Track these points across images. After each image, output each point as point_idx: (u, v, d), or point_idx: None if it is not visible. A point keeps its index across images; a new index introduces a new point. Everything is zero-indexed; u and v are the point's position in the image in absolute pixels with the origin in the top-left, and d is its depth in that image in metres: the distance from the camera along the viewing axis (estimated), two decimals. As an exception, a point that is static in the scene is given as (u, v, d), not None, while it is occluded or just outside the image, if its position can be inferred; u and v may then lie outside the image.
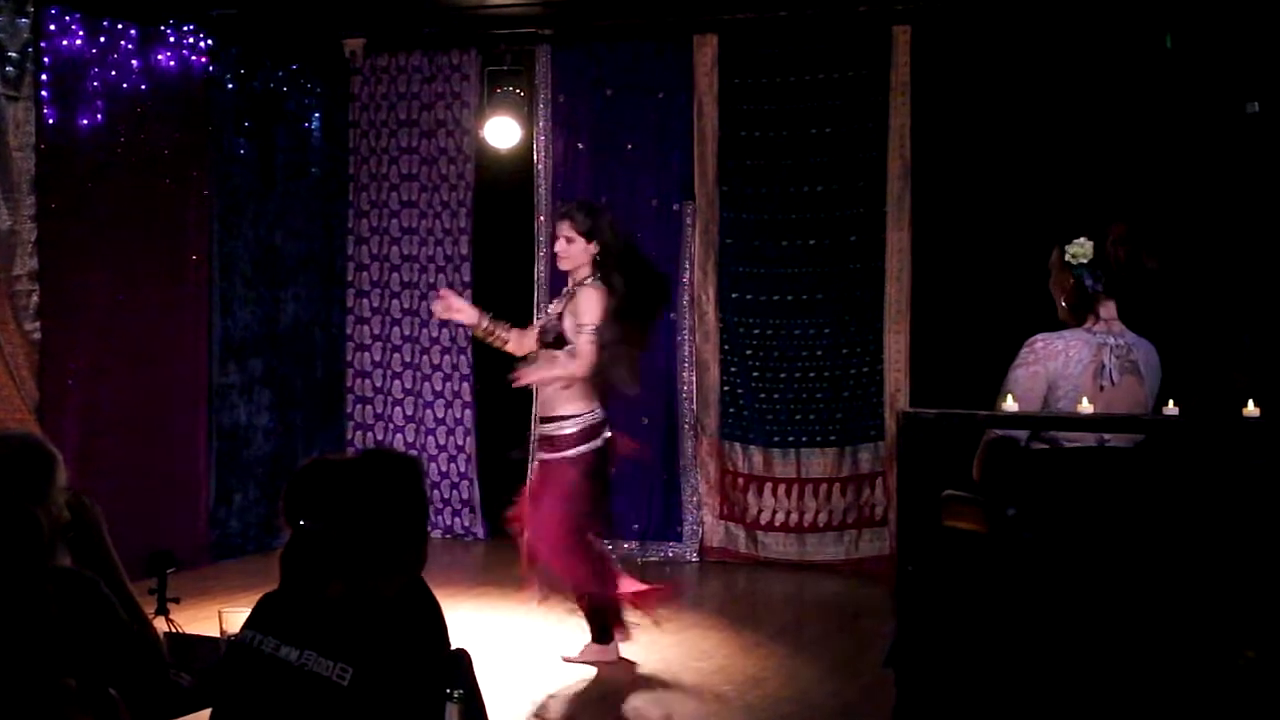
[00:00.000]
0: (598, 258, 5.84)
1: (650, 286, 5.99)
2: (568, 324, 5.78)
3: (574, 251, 5.85)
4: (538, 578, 6.01)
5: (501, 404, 8.51)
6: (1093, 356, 4.44)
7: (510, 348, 6.08)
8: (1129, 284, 4.50)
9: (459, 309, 6.05)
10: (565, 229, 5.88)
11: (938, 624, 4.21)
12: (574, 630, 6.28)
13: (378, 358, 9.25)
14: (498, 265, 8.91)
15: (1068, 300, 4.59)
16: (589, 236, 5.84)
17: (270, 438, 8.68)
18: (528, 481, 6.07)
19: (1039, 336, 4.51)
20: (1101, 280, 4.50)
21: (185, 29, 7.86)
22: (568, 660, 6.14)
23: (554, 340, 5.81)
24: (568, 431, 5.85)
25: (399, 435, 9.22)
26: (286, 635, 2.76)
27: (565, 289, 6.03)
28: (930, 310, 8.06)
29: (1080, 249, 4.52)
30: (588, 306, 5.75)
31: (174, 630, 4.96)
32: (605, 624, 6.09)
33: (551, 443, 5.87)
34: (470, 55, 9.00)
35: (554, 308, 5.96)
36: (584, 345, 5.72)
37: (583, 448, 5.84)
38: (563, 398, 5.84)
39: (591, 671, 6.05)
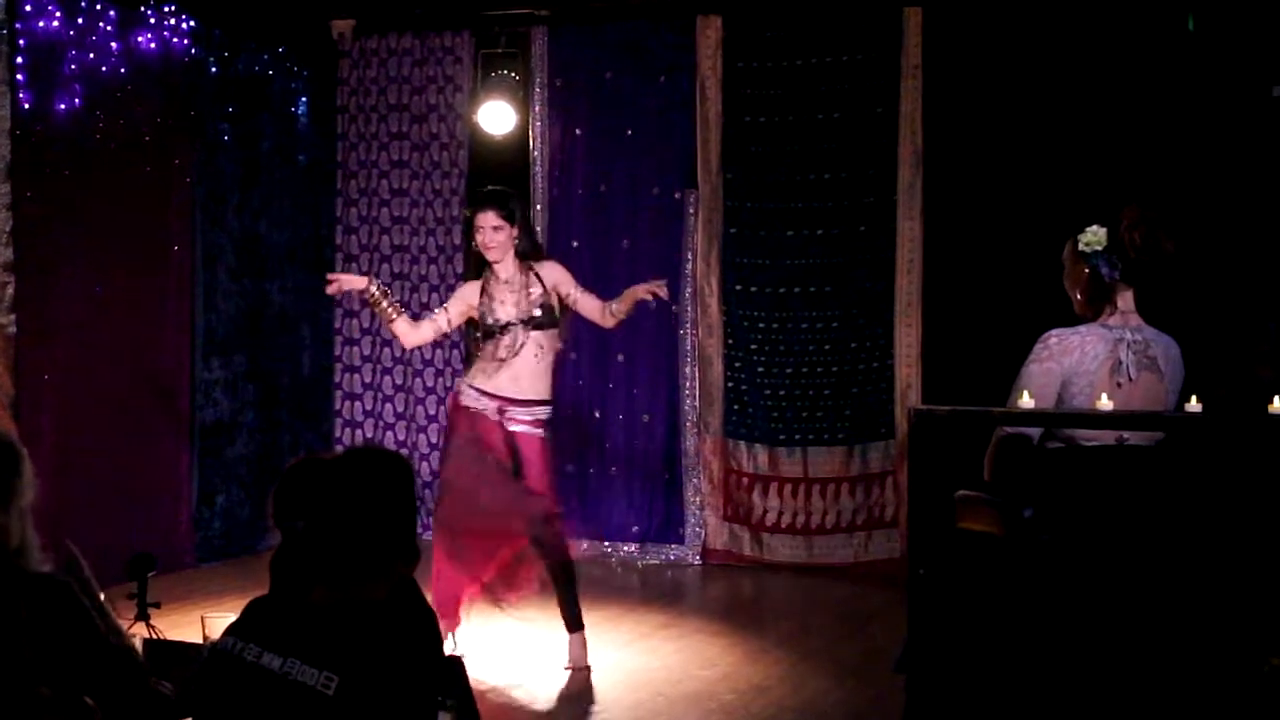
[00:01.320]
0: (517, 241, 6.09)
1: None
2: (553, 298, 6.07)
3: (502, 239, 6.07)
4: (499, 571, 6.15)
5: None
6: (1109, 352, 4.43)
7: (396, 329, 6.29)
8: (1147, 270, 4.48)
9: (347, 279, 6.26)
10: (491, 219, 6.07)
11: (951, 629, 4.20)
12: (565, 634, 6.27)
13: (367, 352, 9.24)
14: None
15: (1083, 292, 4.57)
16: (511, 221, 6.08)
17: (255, 435, 8.67)
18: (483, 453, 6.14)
19: (1053, 332, 4.50)
20: (1118, 267, 4.48)
21: (166, 10, 7.85)
22: (574, 669, 6.13)
23: (550, 321, 6.07)
24: (545, 418, 6.19)
25: (389, 433, 9.21)
26: (269, 642, 2.75)
27: (497, 276, 6.12)
28: (943, 303, 8.05)
29: (1094, 236, 4.51)
30: (565, 275, 6.13)
31: (154, 636, 4.95)
32: (578, 607, 6.18)
33: (538, 423, 6.15)
34: (463, 37, 8.98)
35: (529, 293, 6.08)
36: (588, 296, 6.13)
37: (550, 434, 6.24)
38: (547, 382, 6.16)
39: (590, 679, 6.05)
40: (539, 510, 6.04)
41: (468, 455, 6.08)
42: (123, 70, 7.60)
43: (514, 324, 6.03)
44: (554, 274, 6.10)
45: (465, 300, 6.19)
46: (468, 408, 6.12)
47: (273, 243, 8.81)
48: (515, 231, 6.07)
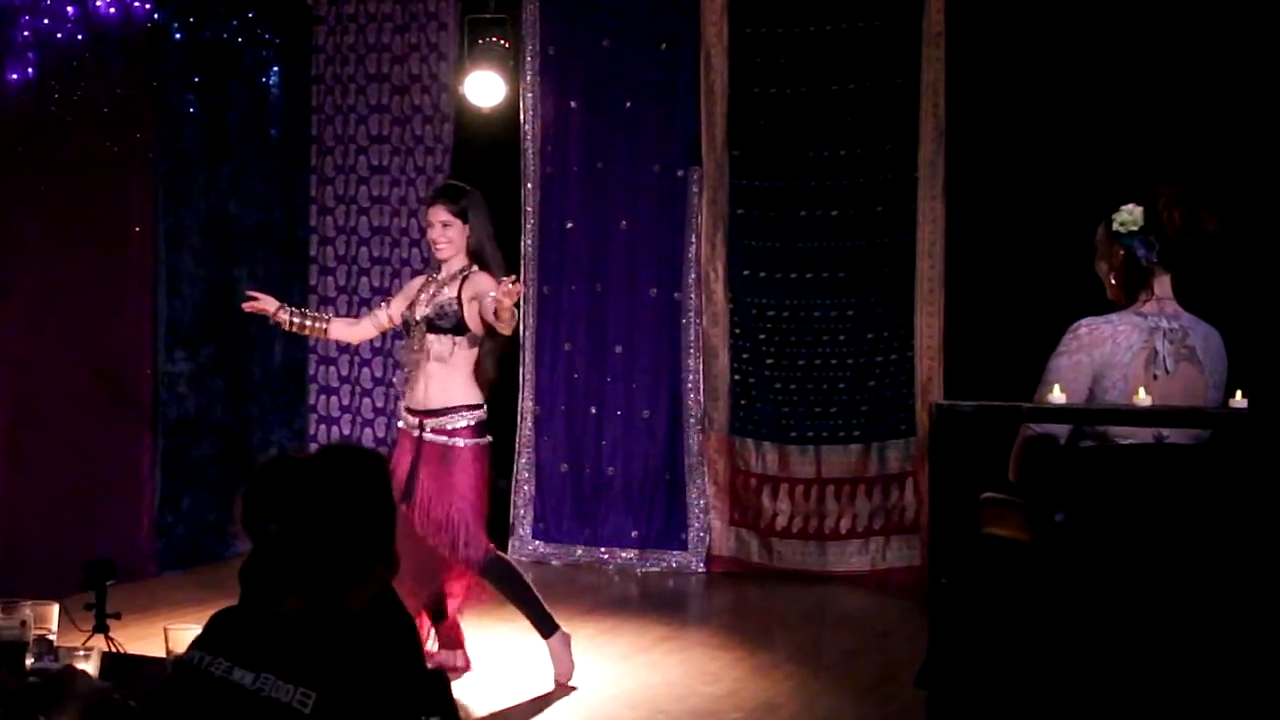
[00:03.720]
0: (470, 240, 6.12)
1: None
2: (469, 309, 5.98)
3: (452, 236, 6.12)
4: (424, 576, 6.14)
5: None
6: (1144, 342, 4.43)
7: (334, 335, 6.51)
8: (1187, 252, 4.48)
9: (261, 302, 6.32)
10: (440, 214, 6.12)
11: (974, 642, 4.20)
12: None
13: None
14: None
15: (1117, 277, 4.58)
16: (464, 218, 6.12)
17: (223, 433, 8.67)
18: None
19: (1083, 321, 4.50)
20: (1156, 249, 4.48)
21: (127, -29, 7.86)
22: (565, 685, 6.14)
23: (453, 326, 6.03)
24: (468, 424, 6.09)
25: (368, 430, 9.22)
26: (240, 656, 2.76)
27: (436, 275, 6.19)
28: (967, 289, 8.05)
29: (1129, 216, 4.51)
30: (488, 284, 5.97)
31: (114, 649, 4.96)
32: (542, 609, 6.15)
33: (456, 432, 6.10)
34: (448, 1, 8.98)
35: (440, 293, 6.09)
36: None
37: (481, 441, 6.13)
38: (460, 388, 6.08)
39: (585, 694, 6.06)
40: (458, 523, 6.03)
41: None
42: (80, 37, 7.59)
43: (418, 323, 6.10)
44: (477, 284, 6.01)
45: (407, 295, 6.31)
46: (401, 429, 6.24)
47: (242, 224, 8.80)
48: (466, 229, 6.10)
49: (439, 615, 6.26)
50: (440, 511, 6.02)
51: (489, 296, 5.81)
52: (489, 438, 6.15)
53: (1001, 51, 7.86)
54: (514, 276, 5.80)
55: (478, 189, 6.29)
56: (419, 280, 6.34)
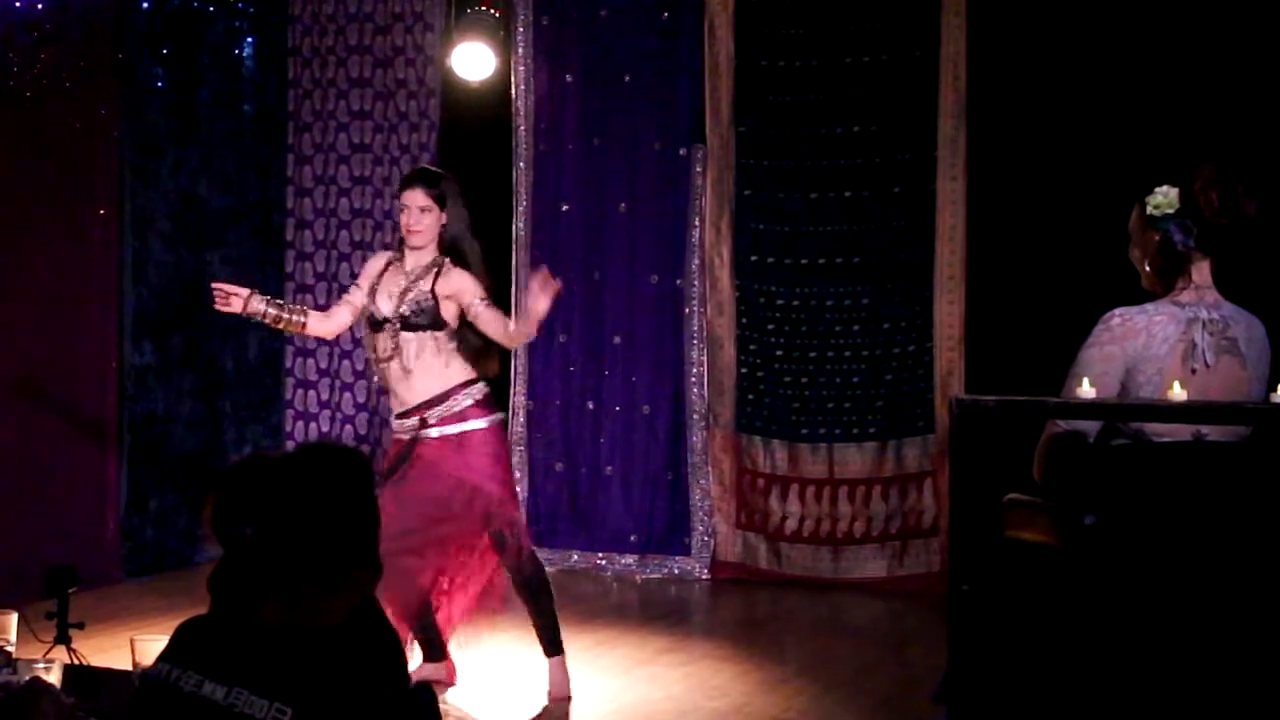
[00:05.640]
0: (444, 228, 6.12)
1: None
2: (447, 306, 5.99)
3: (429, 223, 6.11)
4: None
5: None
6: (1181, 334, 4.42)
7: (311, 330, 6.33)
8: (1226, 236, 4.47)
9: (234, 293, 6.15)
10: (419, 198, 6.10)
11: (998, 654, 4.20)
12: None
13: (323, 333, 9.24)
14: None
15: (1152, 264, 4.57)
16: (441, 204, 6.12)
17: (194, 430, 8.67)
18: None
19: (1117, 311, 4.49)
20: (1193, 233, 4.47)
21: (90, -65, 7.85)
22: (556, 701, 6.13)
23: (429, 323, 6.01)
24: (476, 400, 6.09)
25: (348, 427, 9.22)
26: (211, 669, 2.75)
27: (403, 265, 6.13)
28: (990, 276, 8.05)
29: (1164, 199, 4.50)
30: (470, 285, 6.02)
31: (76, 661, 4.96)
32: (556, 625, 6.17)
33: (467, 413, 6.06)
34: (435, -32, 8.99)
35: (414, 288, 6.06)
36: (492, 312, 6.03)
37: (494, 416, 6.14)
38: (455, 367, 6.09)
39: (581, 711, 6.05)
40: (495, 509, 6.01)
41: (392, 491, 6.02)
42: (40, 6, 7.59)
43: (391, 321, 6.05)
44: (456, 282, 6.00)
45: (369, 274, 6.22)
46: (398, 438, 6.16)
47: (213, 206, 8.80)
48: (441, 217, 6.09)
49: (426, 622, 6.24)
50: (479, 505, 5.98)
51: (476, 302, 5.91)
52: (501, 414, 6.19)
53: (1027, 22, 7.86)
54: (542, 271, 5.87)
55: (455, 174, 6.28)
56: (379, 262, 6.23)
